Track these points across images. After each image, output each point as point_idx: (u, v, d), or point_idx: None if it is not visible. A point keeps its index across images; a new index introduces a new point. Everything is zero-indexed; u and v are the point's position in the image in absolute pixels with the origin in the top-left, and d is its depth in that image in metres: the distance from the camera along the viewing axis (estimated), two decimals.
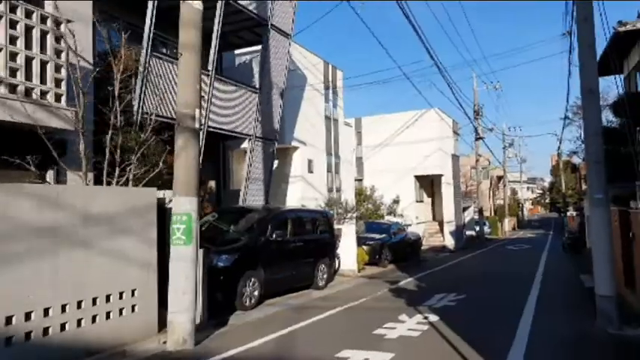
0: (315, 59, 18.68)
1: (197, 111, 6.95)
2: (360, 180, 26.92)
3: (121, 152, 7.75)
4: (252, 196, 13.58)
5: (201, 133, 11.68)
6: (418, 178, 28.37)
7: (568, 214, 30.75)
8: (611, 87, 29.14)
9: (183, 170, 6.75)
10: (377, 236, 16.85)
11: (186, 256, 6.55)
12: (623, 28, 14.44)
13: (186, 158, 6.74)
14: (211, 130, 11.94)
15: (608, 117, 15.56)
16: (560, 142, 37.22)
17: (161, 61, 10.48)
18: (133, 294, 6.59)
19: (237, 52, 16.76)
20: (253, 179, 13.58)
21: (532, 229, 53.97)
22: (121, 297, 6.42)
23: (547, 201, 73.85)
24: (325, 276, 11.91)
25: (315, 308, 9.12)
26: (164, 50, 12.29)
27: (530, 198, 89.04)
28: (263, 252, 9.80)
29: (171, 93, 10.61)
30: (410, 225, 24.76)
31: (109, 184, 7.36)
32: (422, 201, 29.51)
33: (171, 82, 10.64)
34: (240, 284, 9.05)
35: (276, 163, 17.49)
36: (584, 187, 27.47)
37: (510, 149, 45.69)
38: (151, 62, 10.09)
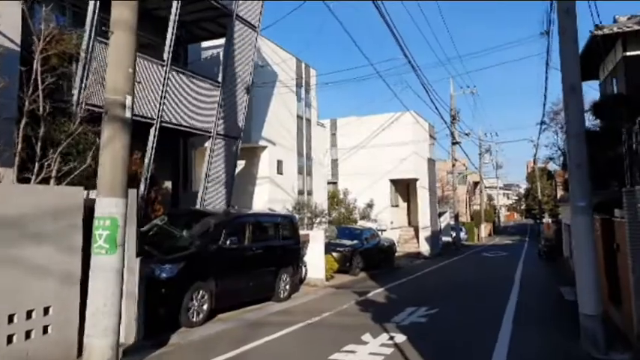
0: (287, 56, 17.81)
1: (129, 98, 5.97)
2: (335, 183, 26.11)
3: (49, 145, 6.74)
4: (212, 198, 12.61)
5: (153, 128, 10.73)
6: (394, 182, 27.65)
7: (544, 221, 30.45)
8: (587, 92, 28.88)
9: (109, 167, 5.76)
10: (348, 242, 15.98)
11: (110, 267, 5.56)
12: (599, 32, 13.97)
13: (112, 153, 5.75)
14: (166, 125, 10.94)
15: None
16: (536, 148, 36.80)
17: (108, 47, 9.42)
18: (46, 312, 5.57)
19: (204, 45, 15.79)
20: (214, 180, 12.60)
21: (508, 235, 53.95)
22: (29, 316, 5.39)
23: (523, 207, 74.30)
24: (288, 286, 10.97)
25: (271, 325, 8.19)
26: None
27: (506, 204, 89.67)
28: (215, 261, 8.83)
29: None
30: (384, 230, 23.99)
31: (25, 181, 6.32)
32: (397, 205, 28.82)
33: None
34: (186, 297, 8.07)
35: (242, 163, 16.57)
36: (559, 194, 27.18)
37: (487, 155, 45.56)
38: (94, 48, 9.06)
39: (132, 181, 10.62)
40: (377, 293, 12.10)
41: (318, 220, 15.96)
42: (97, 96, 9.09)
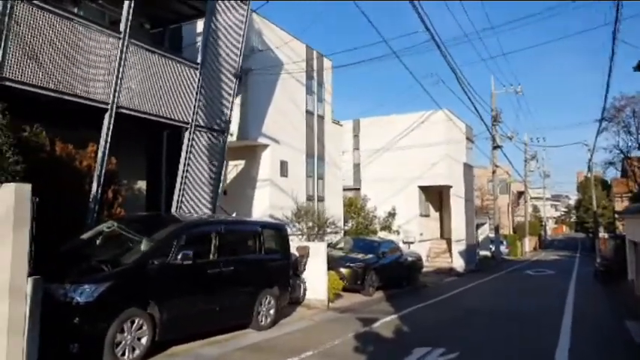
0: (294, 42, 15.69)
1: None
2: (357, 189, 23.73)
3: None
4: (192, 203, 10.61)
5: (108, 115, 8.84)
6: (423, 188, 24.84)
7: (600, 235, 26.72)
8: None
9: None
10: (361, 257, 13.62)
11: None
12: None
13: None
14: (125, 112, 9.04)
15: None
16: (592, 152, 31.86)
17: (40, 11, 7.62)
18: None
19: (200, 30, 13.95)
20: (193, 181, 10.61)
21: (555, 250, 49.69)
22: None
23: (573, 220, 69.08)
24: (272, 311, 8.77)
25: None
26: None
27: (554, 216, 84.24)
28: (160, 280, 6.78)
29: (56, 55, 7.78)
30: (412, 242, 21.43)
31: None
32: (428, 215, 26.00)
33: (56, 41, 7.79)
34: (113, 328, 6.07)
35: (242, 163, 14.60)
36: (622, 205, 23.63)
37: (532, 162, 41.87)
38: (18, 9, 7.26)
39: (82, 178, 8.89)
40: (386, 322, 9.70)
41: (329, 230, 13.71)
42: (23, 69, 7.31)
